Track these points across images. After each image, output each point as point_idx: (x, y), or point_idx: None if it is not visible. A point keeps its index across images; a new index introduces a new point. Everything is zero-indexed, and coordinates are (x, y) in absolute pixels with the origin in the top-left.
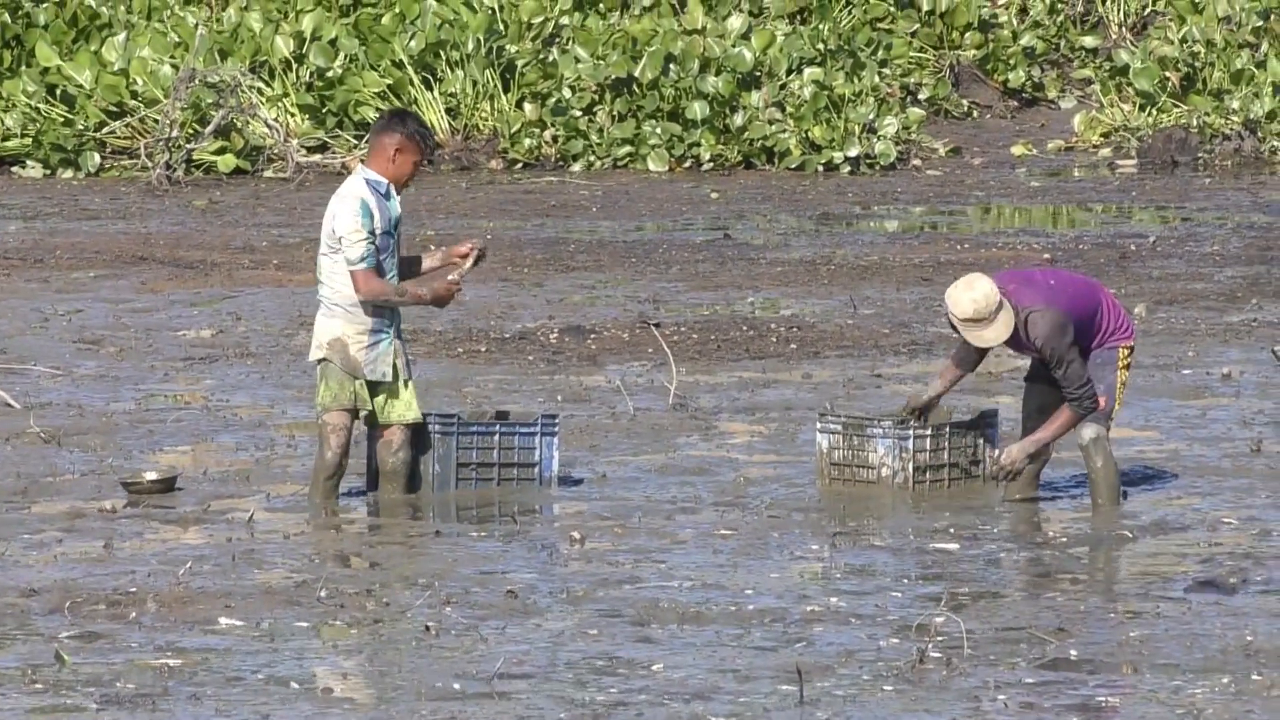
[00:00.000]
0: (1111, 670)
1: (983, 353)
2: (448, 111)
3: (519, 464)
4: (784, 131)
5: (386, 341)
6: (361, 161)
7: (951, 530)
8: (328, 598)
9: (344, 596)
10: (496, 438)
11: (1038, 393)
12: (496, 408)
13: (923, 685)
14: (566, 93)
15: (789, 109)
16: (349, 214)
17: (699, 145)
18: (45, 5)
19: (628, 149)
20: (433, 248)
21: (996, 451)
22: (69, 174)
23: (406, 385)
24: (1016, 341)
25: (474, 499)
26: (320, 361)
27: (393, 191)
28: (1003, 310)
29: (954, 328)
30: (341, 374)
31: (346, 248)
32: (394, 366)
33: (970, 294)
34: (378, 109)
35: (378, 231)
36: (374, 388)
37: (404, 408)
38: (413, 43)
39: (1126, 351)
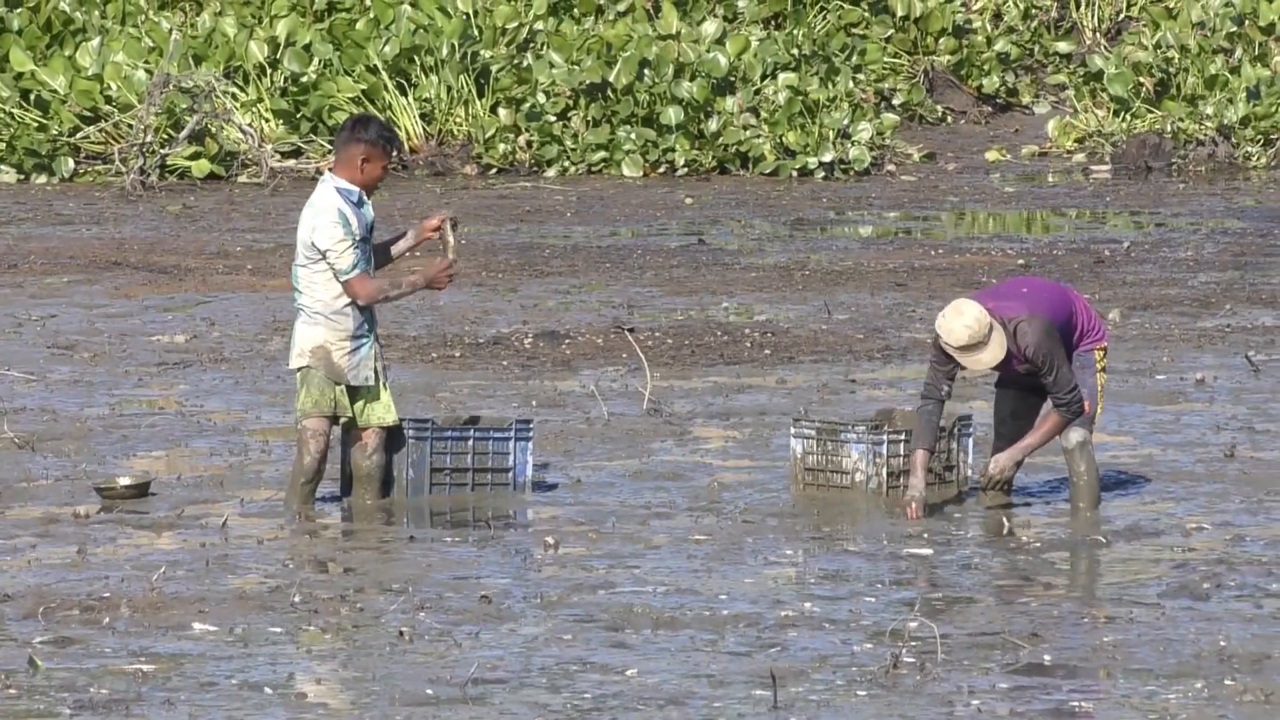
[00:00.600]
0: (1085, 675)
1: (939, 423)
2: (422, 117)
3: (493, 469)
4: (758, 137)
5: (367, 346)
6: (330, 170)
7: (925, 535)
8: (302, 603)
9: (318, 602)
10: (470, 443)
11: (1009, 398)
12: (469, 413)
13: (896, 690)
14: (541, 98)
15: (763, 114)
16: (329, 225)
17: (673, 150)
18: (19, 10)
19: (602, 154)
20: (407, 230)
21: (983, 462)
22: (43, 179)
23: (385, 388)
24: (1007, 357)
25: (448, 504)
26: (301, 369)
27: (365, 198)
28: (994, 330)
29: (948, 358)
30: (324, 381)
31: (335, 260)
32: (375, 370)
33: (962, 320)
34: (351, 114)
35: (357, 237)
36: (354, 392)
37: (383, 410)
38: (387, 48)
39: (1101, 354)
